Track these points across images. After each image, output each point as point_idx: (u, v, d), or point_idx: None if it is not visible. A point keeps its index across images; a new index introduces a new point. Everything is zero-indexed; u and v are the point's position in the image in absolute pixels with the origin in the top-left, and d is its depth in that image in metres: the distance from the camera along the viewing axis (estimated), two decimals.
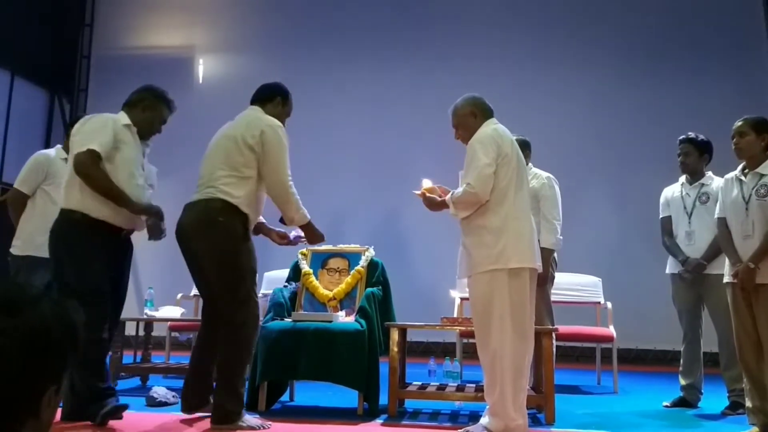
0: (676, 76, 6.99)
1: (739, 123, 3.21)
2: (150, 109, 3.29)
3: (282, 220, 3.28)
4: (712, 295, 3.77)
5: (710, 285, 3.78)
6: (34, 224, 3.78)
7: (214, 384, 3.11)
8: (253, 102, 3.34)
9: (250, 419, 3.05)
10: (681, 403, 3.90)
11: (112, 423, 3.00)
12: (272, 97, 3.32)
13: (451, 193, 3.05)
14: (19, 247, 3.84)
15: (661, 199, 4.13)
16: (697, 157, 3.95)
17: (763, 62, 6.97)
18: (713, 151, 3.99)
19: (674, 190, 4.07)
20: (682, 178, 4.06)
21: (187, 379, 3.26)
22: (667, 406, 3.91)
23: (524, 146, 3.80)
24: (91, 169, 3.03)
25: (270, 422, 3.09)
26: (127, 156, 3.16)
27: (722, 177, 3.75)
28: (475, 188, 2.90)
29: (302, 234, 3.37)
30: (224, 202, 3.07)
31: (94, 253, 3.06)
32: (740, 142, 3.19)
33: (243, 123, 3.20)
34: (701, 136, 3.99)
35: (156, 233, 3.27)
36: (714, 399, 3.90)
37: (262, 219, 3.40)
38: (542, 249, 3.91)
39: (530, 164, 4.04)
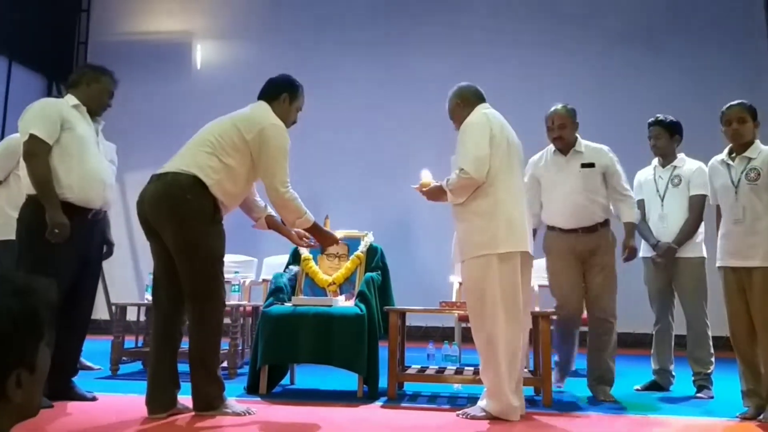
0: (674, 62, 6.98)
1: (736, 108, 3.19)
2: (94, 82, 3.30)
3: (283, 222, 3.17)
4: (681, 277, 3.78)
5: (680, 268, 3.78)
6: (9, 208, 3.76)
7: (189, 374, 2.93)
8: (260, 98, 3.12)
9: (233, 404, 2.95)
10: (652, 386, 3.87)
11: (91, 405, 3.14)
12: (277, 95, 3.08)
13: (445, 180, 3.06)
14: None
15: (635, 183, 4.02)
16: (667, 139, 3.89)
17: (762, 48, 6.96)
18: (683, 132, 3.93)
19: (647, 174, 4.02)
20: (655, 161, 4.00)
21: (153, 376, 2.92)
22: (638, 390, 3.86)
23: (573, 114, 3.65)
24: (32, 158, 3.05)
25: (255, 408, 2.99)
26: (79, 134, 3.15)
27: (694, 159, 3.82)
28: (469, 172, 2.93)
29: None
30: (195, 178, 2.84)
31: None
32: (741, 128, 3.16)
33: (247, 115, 3.01)
34: (670, 117, 3.92)
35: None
36: (686, 382, 3.82)
37: (273, 213, 3.26)
38: (626, 224, 3.66)
39: (578, 136, 3.72)
